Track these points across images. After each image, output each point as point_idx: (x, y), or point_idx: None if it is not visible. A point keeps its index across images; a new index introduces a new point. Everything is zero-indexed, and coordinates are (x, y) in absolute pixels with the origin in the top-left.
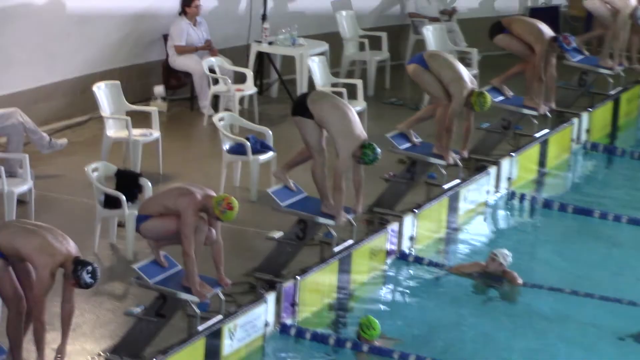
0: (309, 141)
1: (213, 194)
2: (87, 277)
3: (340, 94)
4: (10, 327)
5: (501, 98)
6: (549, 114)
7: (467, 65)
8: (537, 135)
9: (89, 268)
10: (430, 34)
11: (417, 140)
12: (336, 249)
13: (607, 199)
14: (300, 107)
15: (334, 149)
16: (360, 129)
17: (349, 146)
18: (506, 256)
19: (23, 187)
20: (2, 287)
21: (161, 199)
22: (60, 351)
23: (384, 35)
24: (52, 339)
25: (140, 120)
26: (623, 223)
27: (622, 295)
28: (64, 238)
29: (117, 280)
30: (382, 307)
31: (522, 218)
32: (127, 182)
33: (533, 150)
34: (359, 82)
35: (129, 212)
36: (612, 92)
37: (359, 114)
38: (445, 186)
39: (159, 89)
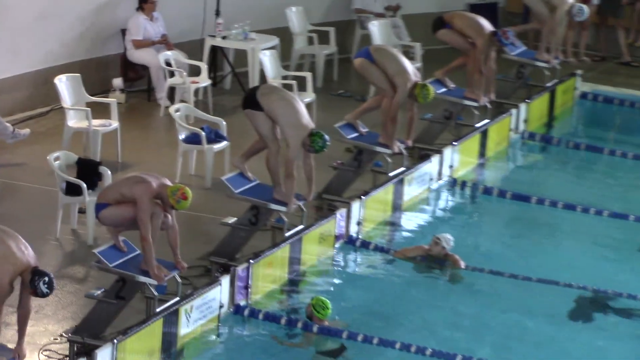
0: (261, 132)
1: (169, 183)
2: (43, 288)
3: (290, 86)
4: None
5: (443, 90)
6: (488, 105)
7: (411, 58)
8: (478, 125)
9: (46, 279)
10: (375, 29)
11: (363, 130)
12: (287, 234)
13: (544, 186)
14: (250, 101)
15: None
16: (307, 119)
17: (298, 136)
18: (449, 240)
19: None
20: None
21: (118, 187)
22: (19, 350)
23: (331, 30)
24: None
25: (99, 111)
26: (559, 208)
27: (559, 278)
28: (26, 248)
29: (78, 264)
30: (330, 288)
31: (464, 204)
32: (88, 170)
33: (474, 140)
34: (308, 75)
35: (90, 199)
36: (549, 84)
37: (308, 105)
38: (391, 174)
39: (118, 81)
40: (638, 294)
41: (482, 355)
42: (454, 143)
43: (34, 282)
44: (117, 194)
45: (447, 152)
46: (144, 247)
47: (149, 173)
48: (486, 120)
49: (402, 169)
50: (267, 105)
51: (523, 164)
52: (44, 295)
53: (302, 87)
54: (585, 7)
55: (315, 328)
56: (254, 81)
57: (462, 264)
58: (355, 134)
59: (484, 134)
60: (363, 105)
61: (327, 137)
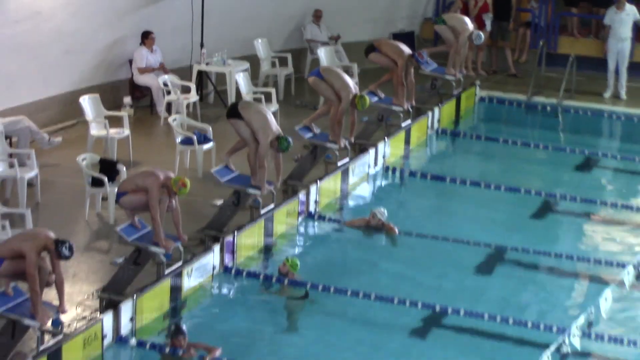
0: (242, 135)
1: (172, 175)
2: (66, 251)
3: (259, 99)
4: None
5: (376, 99)
6: (410, 110)
7: (351, 75)
8: (403, 124)
9: (67, 244)
10: (322, 54)
11: (317, 131)
12: (262, 211)
13: (455, 168)
14: (233, 112)
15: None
16: (275, 126)
17: (268, 138)
18: (383, 213)
19: (31, 173)
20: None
21: (134, 179)
22: (61, 307)
23: (289, 55)
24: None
25: (114, 122)
26: (467, 185)
27: (471, 238)
28: (42, 229)
29: (103, 239)
30: (296, 251)
31: (395, 185)
32: (107, 167)
33: (400, 136)
34: (272, 90)
35: (110, 189)
36: (455, 92)
37: (274, 113)
38: (339, 163)
39: (127, 99)
40: (530, 248)
41: (415, 295)
42: (385, 138)
43: (58, 248)
44: (133, 185)
45: (381, 145)
46: (154, 225)
47: (157, 168)
48: (409, 121)
49: (347, 159)
50: (247, 115)
51: (438, 152)
52: (67, 258)
53: (268, 100)
54: (481, 33)
55: (286, 281)
56: (231, 96)
57: (396, 230)
58: (311, 134)
59: (408, 131)
60: (315, 112)
61: (290, 140)
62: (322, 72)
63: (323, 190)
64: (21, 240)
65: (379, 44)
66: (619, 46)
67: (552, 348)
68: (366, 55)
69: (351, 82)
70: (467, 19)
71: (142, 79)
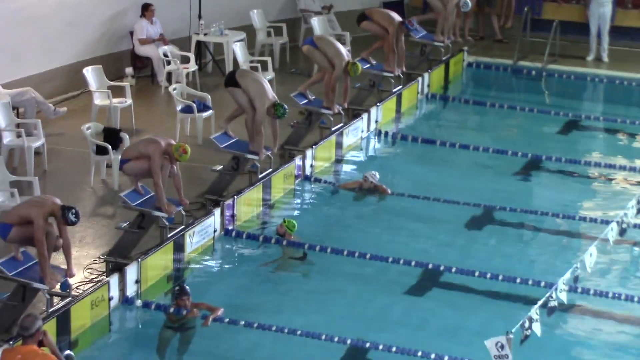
0: (240, 103)
1: (173, 142)
2: (72, 217)
3: (256, 68)
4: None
5: (368, 65)
6: (401, 75)
7: (343, 44)
8: (394, 90)
9: (73, 210)
10: (316, 23)
11: (311, 97)
12: (260, 175)
13: (444, 132)
14: (231, 81)
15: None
16: (272, 94)
17: (264, 105)
18: (374, 175)
19: (38, 142)
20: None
21: (136, 146)
22: (69, 270)
23: (283, 25)
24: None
25: (117, 92)
26: (456, 148)
27: (461, 199)
28: (48, 196)
29: (108, 205)
30: (294, 213)
31: (387, 148)
32: (111, 136)
33: (392, 101)
34: (268, 59)
35: (114, 157)
36: (444, 58)
37: (270, 81)
38: (333, 129)
39: (129, 70)
40: (517, 208)
41: (408, 254)
42: (377, 104)
43: (65, 214)
44: (136, 152)
45: (373, 110)
46: (157, 190)
47: (158, 135)
48: (400, 86)
49: (341, 124)
50: (244, 83)
51: (428, 116)
52: (73, 223)
53: (264, 68)
54: (468, 0)
55: (285, 242)
56: (229, 66)
57: (389, 192)
58: (306, 101)
59: (399, 97)
60: (310, 79)
61: (286, 106)
62: (315, 40)
63: (318, 155)
64: (29, 206)
65: (371, 13)
66: (600, 11)
67: (540, 302)
68: (358, 23)
69: (344, 50)
70: None
71: (142, 50)
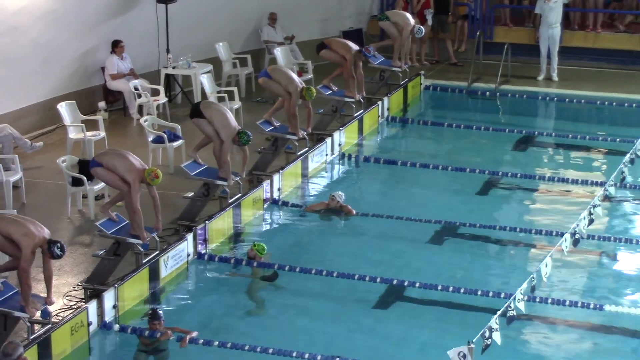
0: (206, 132)
1: (145, 166)
2: (57, 251)
3: (223, 98)
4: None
5: (329, 92)
6: (362, 100)
7: (306, 72)
8: (356, 114)
9: (58, 245)
10: (279, 53)
11: (277, 124)
12: (230, 200)
13: (404, 152)
14: (196, 112)
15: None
16: (234, 123)
17: (229, 134)
18: (340, 196)
19: (16, 176)
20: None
21: (113, 159)
22: (49, 299)
23: (248, 56)
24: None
25: (90, 125)
26: (417, 167)
27: (422, 216)
28: (41, 227)
29: (85, 234)
30: (263, 235)
31: (350, 170)
32: (86, 167)
33: (354, 125)
34: (234, 89)
35: (89, 188)
36: (402, 83)
37: (237, 110)
38: (298, 153)
39: (102, 104)
40: (476, 223)
41: (374, 271)
42: (340, 128)
43: (50, 248)
44: (111, 164)
45: (336, 134)
46: (135, 217)
47: (134, 157)
48: (361, 111)
49: (306, 149)
50: (208, 114)
51: (389, 138)
52: (59, 257)
53: (231, 98)
54: (422, 27)
55: (255, 264)
56: (197, 97)
57: (354, 212)
58: (271, 127)
59: (361, 120)
60: (273, 107)
61: (249, 133)
62: (269, 72)
63: (285, 179)
64: (21, 233)
65: (329, 42)
66: (550, 32)
67: (500, 312)
68: (317, 52)
69: (296, 77)
70: (408, 15)
71: (114, 85)
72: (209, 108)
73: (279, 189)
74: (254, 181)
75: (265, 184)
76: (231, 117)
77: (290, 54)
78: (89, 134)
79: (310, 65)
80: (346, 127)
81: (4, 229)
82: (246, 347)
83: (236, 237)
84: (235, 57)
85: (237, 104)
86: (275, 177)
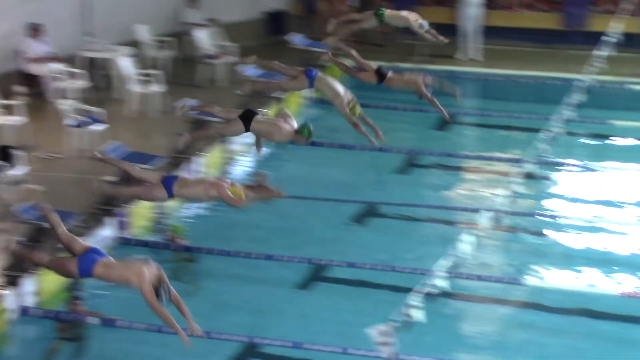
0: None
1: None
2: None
3: (145, 81)
4: None
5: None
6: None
7: (230, 55)
8: (280, 96)
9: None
10: (201, 35)
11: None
12: None
13: (329, 133)
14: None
15: None
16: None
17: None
18: (265, 174)
19: None
20: None
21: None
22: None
23: (169, 39)
24: None
25: (9, 110)
26: (337, 148)
27: (345, 196)
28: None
29: (3, 220)
30: (184, 218)
31: (274, 152)
32: (4, 152)
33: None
34: (156, 72)
35: (9, 172)
36: (327, 64)
37: (159, 94)
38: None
39: (20, 88)
40: (398, 202)
41: (296, 252)
42: (264, 110)
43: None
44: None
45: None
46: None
47: (143, 264)
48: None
49: None
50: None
51: (314, 120)
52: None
53: (152, 81)
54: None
55: (174, 247)
56: (118, 80)
57: (279, 193)
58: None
59: (285, 102)
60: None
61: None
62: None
63: (209, 161)
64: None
65: None
66: (471, 12)
67: (420, 289)
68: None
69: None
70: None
71: (33, 69)
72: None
73: (202, 172)
74: (178, 164)
75: (189, 167)
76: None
77: (213, 36)
78: (7, 118)
79: (234, 48)
80: (269, 108)
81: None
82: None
83: (157, 220)
84: (157, 39)
85: (159, 87)
86: (199, 159)
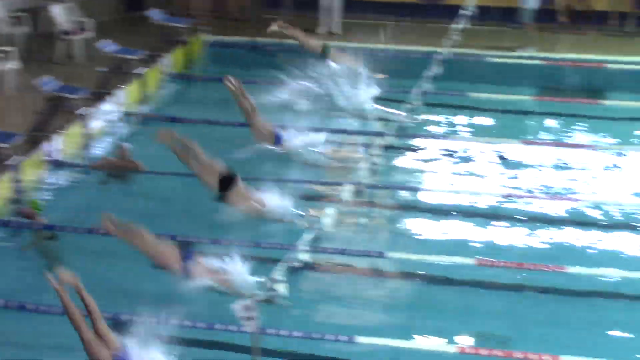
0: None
1: None
2: None
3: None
4: None
5: (115, 48)
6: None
7: (83, 29)
8: (138, 72)
9: None
10: (57, 10)
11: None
12: (9, 162)
13: (190, 109)
14: None
15: None
16: None
17: None
18: (128, 146)
19: None
20: None
21: None
22: None
23: (25, 14)
24: None
25: None
26: (203, 124)
27: None
28: None
29: None
30: (46, 197)
31: (135, 129)
32: None
33: (138, 83)
34: (12, 49)
35: None
36: (185, 39)
37: (15, 71)
38: (80, 112)
39: None
40: (259, 176)
41: (158, 229)
42: (123, 86)
43: None
44: None
45: (120, 93)
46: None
47: None
48: (144, 68)
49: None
50: None
51: (174, 96)
52: None
53: (8, 58)
54: None
55: (33, 224)
56: None
57: (141, 167)
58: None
59: (144, 78)
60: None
61: None
62: None
63: (68, 139)
64: None
65: None
66: None
67: (283, 263)
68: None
69: None
70: None
71: None
72: None
73: (60, 150)
74: (36, 142)
75: (47, 145)
76: None
77: (69, 11)
78: None
79: (92, 24)
80: (130, 85)
81: None
82: (42, 308)
83: (17, 200)
84: (12, 14)
85: (15, 64)
86: (57, 137)
